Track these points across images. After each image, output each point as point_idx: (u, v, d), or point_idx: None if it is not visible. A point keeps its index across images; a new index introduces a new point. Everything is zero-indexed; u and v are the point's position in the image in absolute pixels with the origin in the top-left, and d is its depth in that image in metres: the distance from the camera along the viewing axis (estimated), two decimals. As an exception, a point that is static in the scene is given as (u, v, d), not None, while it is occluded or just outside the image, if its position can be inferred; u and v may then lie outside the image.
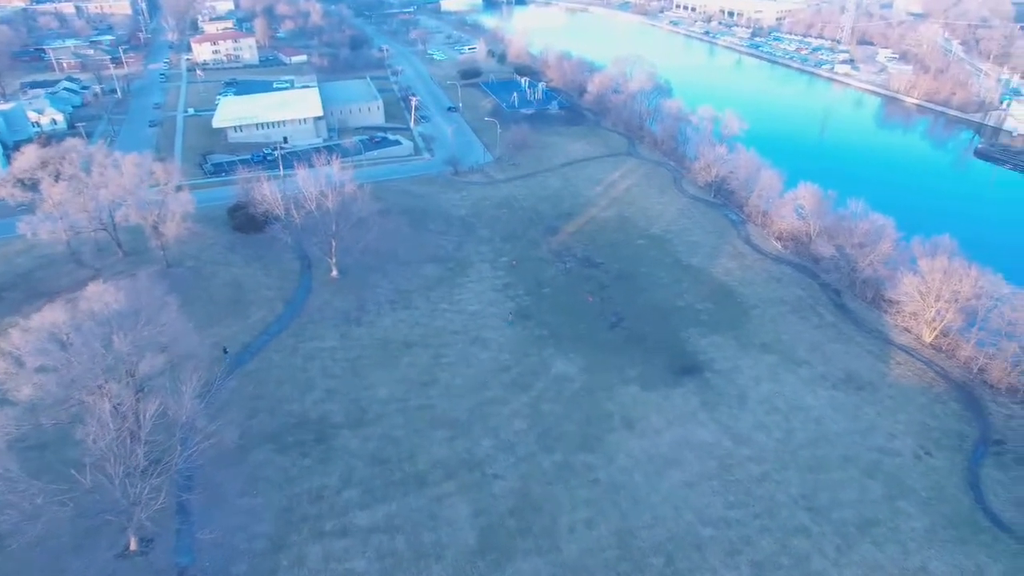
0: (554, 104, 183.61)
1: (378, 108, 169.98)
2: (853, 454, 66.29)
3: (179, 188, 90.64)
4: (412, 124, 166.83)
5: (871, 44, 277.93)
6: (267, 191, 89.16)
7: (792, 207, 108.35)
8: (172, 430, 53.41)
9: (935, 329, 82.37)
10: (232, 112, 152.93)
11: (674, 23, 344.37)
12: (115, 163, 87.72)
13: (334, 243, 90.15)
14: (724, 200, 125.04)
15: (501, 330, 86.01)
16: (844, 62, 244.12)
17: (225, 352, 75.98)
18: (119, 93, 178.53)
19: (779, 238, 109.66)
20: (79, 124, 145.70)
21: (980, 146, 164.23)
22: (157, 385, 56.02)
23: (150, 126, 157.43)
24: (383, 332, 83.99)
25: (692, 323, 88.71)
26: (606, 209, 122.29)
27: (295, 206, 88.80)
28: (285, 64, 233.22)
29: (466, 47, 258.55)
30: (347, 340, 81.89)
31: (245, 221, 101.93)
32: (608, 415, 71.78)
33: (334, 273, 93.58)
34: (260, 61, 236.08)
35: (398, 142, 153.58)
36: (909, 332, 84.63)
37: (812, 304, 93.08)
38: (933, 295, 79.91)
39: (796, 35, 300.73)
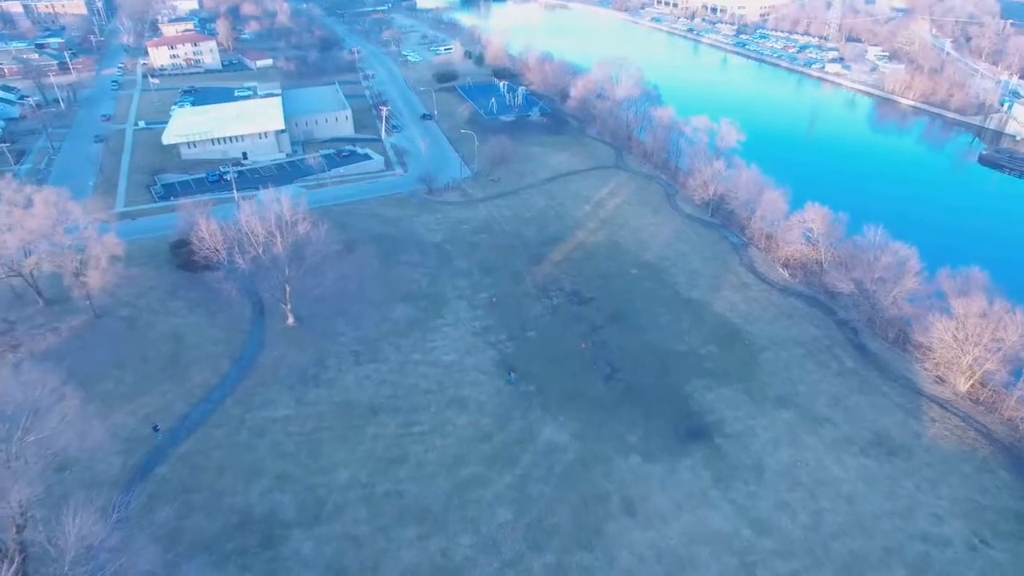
0: (535, 110, 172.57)
1: (347, 118, 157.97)
2: (895, 545, 56.63)
3: (105, 229, 78.23)
4: (383, 135, 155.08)
5: (859, 41, 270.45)
6: (206, 233, 77.17)
7: (799, 231, 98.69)
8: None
9: (971, 378, 73.14)
10: (184, 126, 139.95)
11: (656, 20, 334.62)
12: (27, 200, 75.25)
13: (288, 288, 78.68)
14: (723, 220, 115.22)
15: (481, 386, 75.29)
16: (834, 61, 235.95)
17: (156, 430, 64.35)
18: (62, 104, 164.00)
19: (786, 265, 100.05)
20: (3, 144, 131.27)
21: (984, 152, 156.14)
22: (40, 516, 44.45)
23: (95, 142, 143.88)
24: (345, 393, 72.83)
25: (696, 372, 78.69)
26: (595, 232, 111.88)
27: (239, 249, 76.97)
28: (250, 69, 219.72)
29: (442, 48, 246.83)
30: (303, 406, 70.59)
31: (190, 259, 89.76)
32: (606, 496, 61.50)
33: (290, 320, 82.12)
34: (223, 65, 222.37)
35: (368, 157, 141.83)
36: (942, 382, 75.20)
37: (829, 345, 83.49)
38: (971, 341, 70.54)
39: (782, 32, 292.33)
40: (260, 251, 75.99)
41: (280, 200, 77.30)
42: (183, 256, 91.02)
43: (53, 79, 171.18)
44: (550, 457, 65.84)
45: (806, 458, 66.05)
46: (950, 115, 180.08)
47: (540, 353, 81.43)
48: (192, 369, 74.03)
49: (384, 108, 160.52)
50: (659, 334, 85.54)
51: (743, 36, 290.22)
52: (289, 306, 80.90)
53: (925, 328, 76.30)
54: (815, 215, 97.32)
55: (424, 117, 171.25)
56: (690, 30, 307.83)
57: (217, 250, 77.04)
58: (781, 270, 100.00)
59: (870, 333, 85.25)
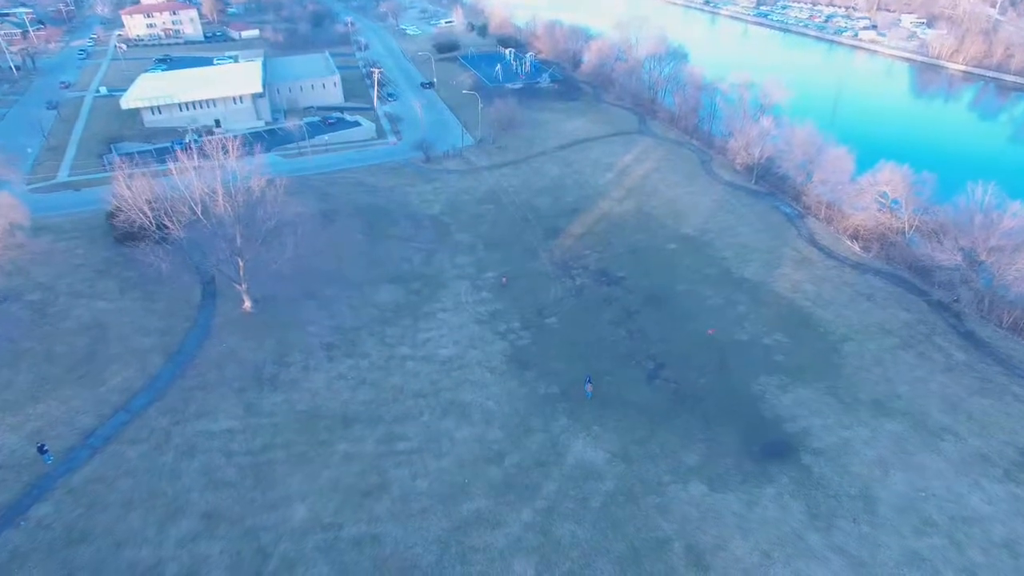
0: (545, 77, 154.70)
1: (335, 84, 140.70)
2: (1091, 618, 39.24)
3: (4, 186, 61.05)
4: (376, 102, 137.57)
5: (889, 11, 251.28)
6: (127, 192, 59.79)
7: (872, 195, 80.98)
8: None
9: None
10: (148, 89, 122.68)
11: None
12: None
13: (241, 263, 61.39)
14: (771, 187, 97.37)
15: (488, 388, 57.99)
16: (868, 28, 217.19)
17: (42, 452, 47.14)
18: (15, 70, 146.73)
19: (855, 236, 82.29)
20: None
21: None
22: None
23: (47, 108, 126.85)
24: (311, 399, 55.58)
25: (764, 367, 61.19)
26: (621, 202, 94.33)
27: (171, 214, 59.62)
28: (234, 40, 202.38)
29: (442, 21, 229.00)
30: (253, 416, 53.38)
31: (129, 231, 72.69)
32: (664, 543, 44.10)
33: (247, 305, 64.91)
34: (205, 37, 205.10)
35: (357, 123, 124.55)
36: (1096, 380, 57.65)
37: (927, 334, 65.77)
38: None
39: (806, 2, 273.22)
40: (199, 212, 58.48)
41: (227, 147, 59.48)
42: (122, 229, 73.87)
43: (5, 45, 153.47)
44: (583, 485, 48.48)
45: (932, 486, 48.54)
46: (1009, 79, 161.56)
47: (563, 345, 64.08)
48: (111, 368, 56.78)
49: (376, 71, 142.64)
50: (711, 320, 68.01)
51: (764, 7, 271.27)
52: (245, 286, 63.62)
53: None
54: (892, 176, 79.82)
55: (424, 85, 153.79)
56: (707, 2, 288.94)
57: (143, 212, 59.67)
58: (850, 243, 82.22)
59: (978, 317, 67.57)
